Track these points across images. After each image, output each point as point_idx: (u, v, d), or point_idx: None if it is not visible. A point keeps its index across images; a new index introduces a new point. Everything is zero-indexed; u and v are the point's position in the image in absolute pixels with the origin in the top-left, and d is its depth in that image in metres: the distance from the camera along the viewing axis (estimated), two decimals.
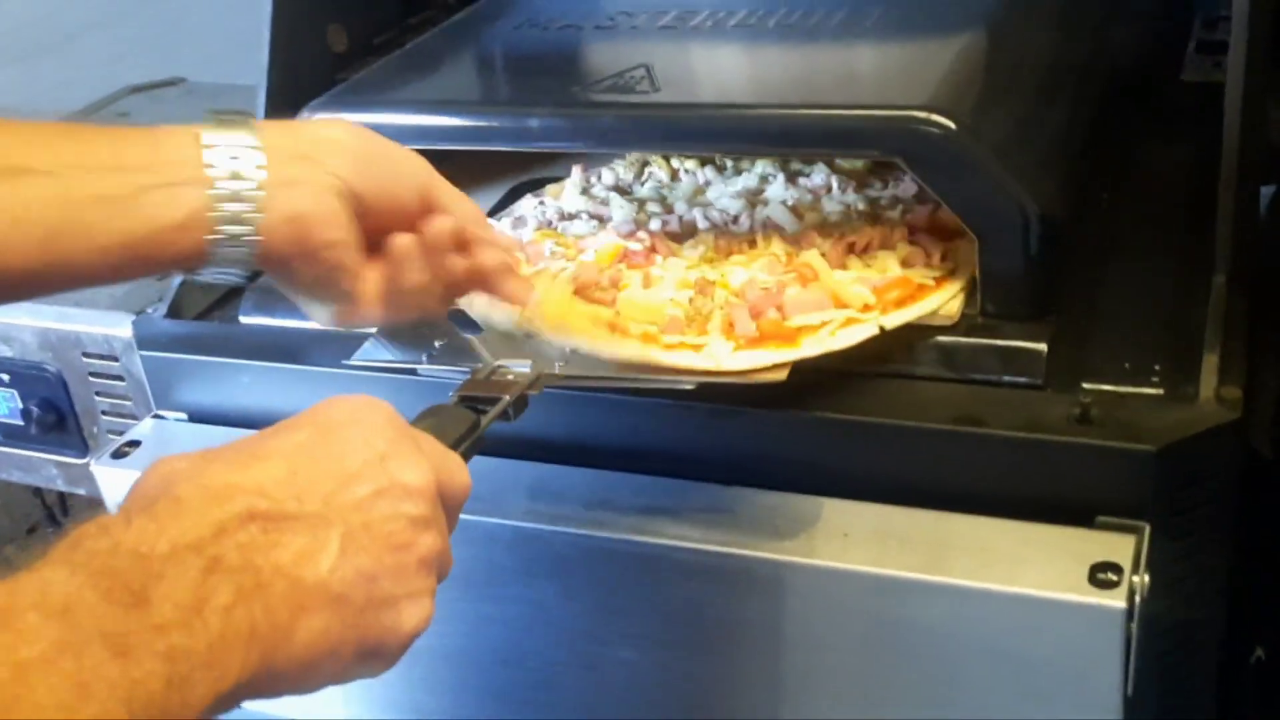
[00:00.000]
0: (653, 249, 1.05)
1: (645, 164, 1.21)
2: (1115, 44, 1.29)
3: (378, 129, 1.08)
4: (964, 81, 1.01)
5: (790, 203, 1.11)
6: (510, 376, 0.91)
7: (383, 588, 0.67)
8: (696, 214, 1.10)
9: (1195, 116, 1.18)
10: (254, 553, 0.61)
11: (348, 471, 0.68)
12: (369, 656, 0.67)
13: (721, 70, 1.12)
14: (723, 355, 0.91)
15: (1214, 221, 1.02)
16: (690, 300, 0.98)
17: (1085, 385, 0.94)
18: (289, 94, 1.27)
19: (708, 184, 1.16)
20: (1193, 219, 1.10)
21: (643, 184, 1.18)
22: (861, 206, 1.10)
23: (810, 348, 0.92)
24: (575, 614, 0.98)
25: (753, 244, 1.05)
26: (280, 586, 0.62)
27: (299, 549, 0.64)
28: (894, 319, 0.96)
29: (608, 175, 1.20)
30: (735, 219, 1.09)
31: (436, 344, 0.98)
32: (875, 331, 0.94)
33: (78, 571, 0.55)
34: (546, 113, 1.04)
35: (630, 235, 1.06)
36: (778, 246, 1.04)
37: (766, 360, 0.91)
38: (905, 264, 1.01)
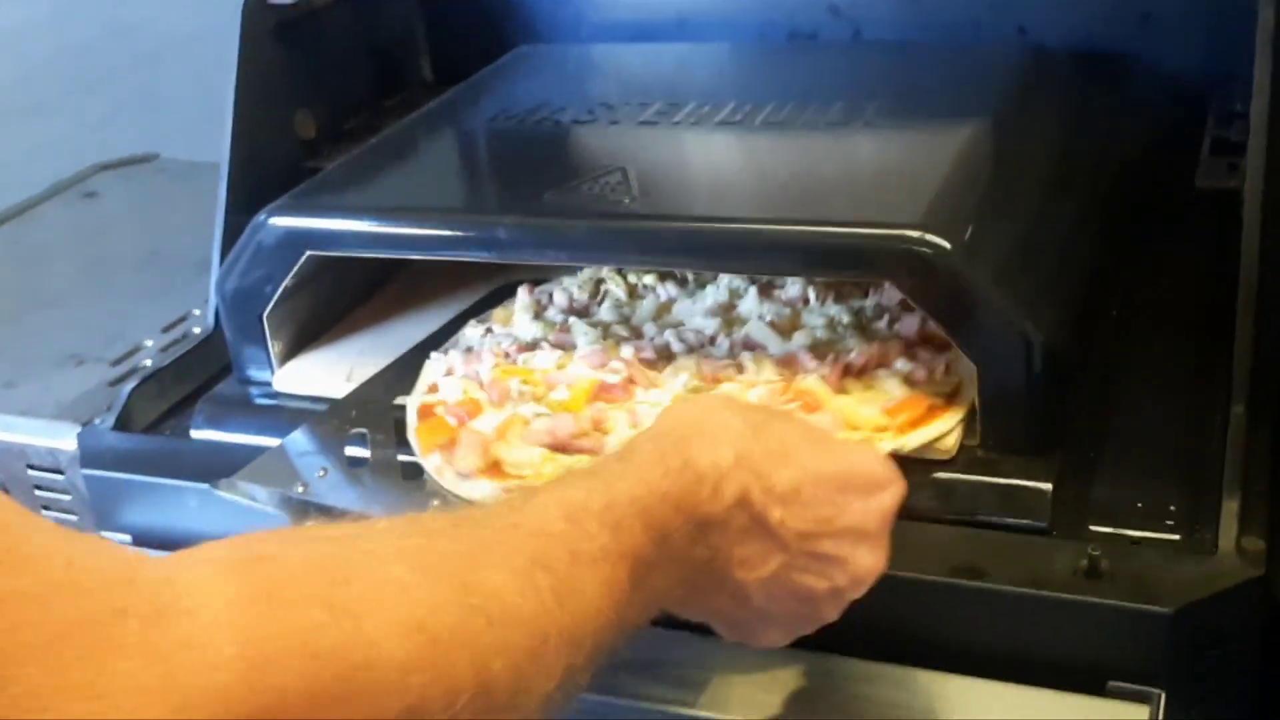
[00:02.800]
0: (630, 380, 0.96)
1: (600, 281, 1.12)
2: (1124, 139, 1.22)
3: (337, 235, 1.03)
4: (960, 193, 0.94)
5: (769, 319, 1.03)
6: None
7: (773, 617, 0.74)
8: (669, 336, 1.01)
9: (1211, 223, 1.11)
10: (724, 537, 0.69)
11: (834, 528, 0.72)
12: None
13: (702, 176, 1.05)
14: None
15: (1232, 341, 0.95)
16: None
17: (1094, 528, 0.87)
18: (253, 182, 1.21)
19: (671, 300, 1.08)
20: (1209, 337, 1.02)
21: (599, 304, 1.09)
22: (846, 319, 1.02)
23: None
24: None
25: (739, 368, 0.97)
26: (714, 570, 0.70)
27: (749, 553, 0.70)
28: (911, 441, 0.89)
29: (559, 296, 1.10)
30: (712, 340, 1.01)
31: (318, 473, 0.94)
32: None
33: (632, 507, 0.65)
34: (514, 222, 0.97)
35: (602, 365, 0.98)
36: (769, 371, 0.96)
37: None
38: (908, 382, 0.94)
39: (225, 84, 1.22)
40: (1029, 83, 1.16)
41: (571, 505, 0.64)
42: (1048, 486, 0.87)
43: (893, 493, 0.75)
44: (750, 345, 1.00)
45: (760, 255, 0.92)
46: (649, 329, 1.03)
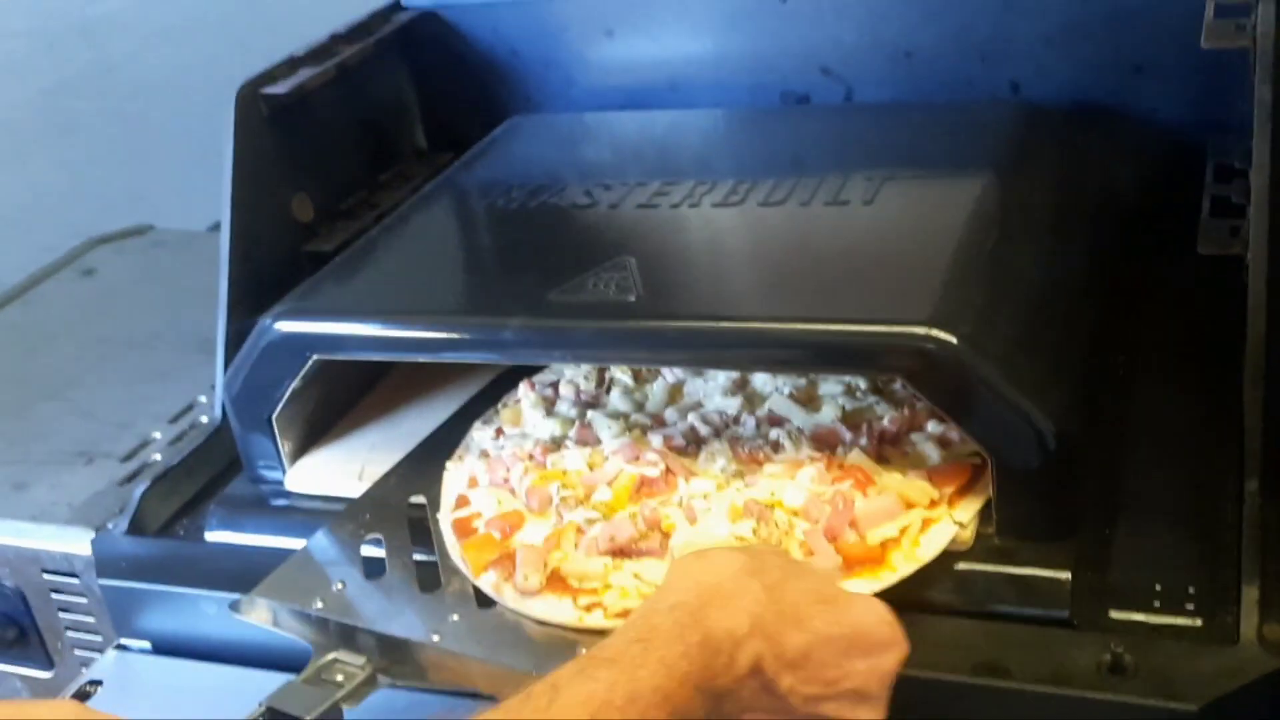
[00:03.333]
0: (669, 471, 0.96)
1: (604, 369, 1.11)
2: (1122, 191, 1.22)
3: (343, 339, 1.03)
4: (963, 277, 0.94)
5: (787, 391, 1.04)
6: (339, 677, 0.85)
7: None
8: (694, 420, 1.01)
9: (1214, 273, 1.11)
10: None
11: (838, 690, 0.73)
12: None
13: (704, 265, 1.04)
14: None
15: (1239, 396, 0.95)
16: (754, 532, 0.90)
17: (1114, 615, 0.87)
18: (253, 274, 1.21)
19: (681, 382, 1.08)
20: (1216, 388, 1.02)
21: (607, 391, 1.09)
22: (863, 383, 1.04)
23: (904, 567, 0.87)
24: None
25: (775, 446, 0.98)
26: None
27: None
28: (965, 511, 0.90)
29: (566, 389, 1.09)
30: (737, 419, 1.02)
31: (336, 586, 0.94)
32: (956, 530, 0.89)
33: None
34: (521, 324, 0.97)
35: (635, 458, 0.97)
36: (807, 447, 0.97)
37: (865, 591, 0.85)
38: (942, 443, 0.95)
39: (220, 165, 1.22)
40: (1025, 144, 1.16)
41: (596, 704, 0.64)
42: (1066, 575, 0.87)
43: (895, 654, 0.76)
44: (775, 420, 1.01)
45: (765, 354, 0.92)
46: (670, 415, 1.03)
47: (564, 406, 1.07)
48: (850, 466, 0.94)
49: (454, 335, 1.00)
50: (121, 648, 1.08)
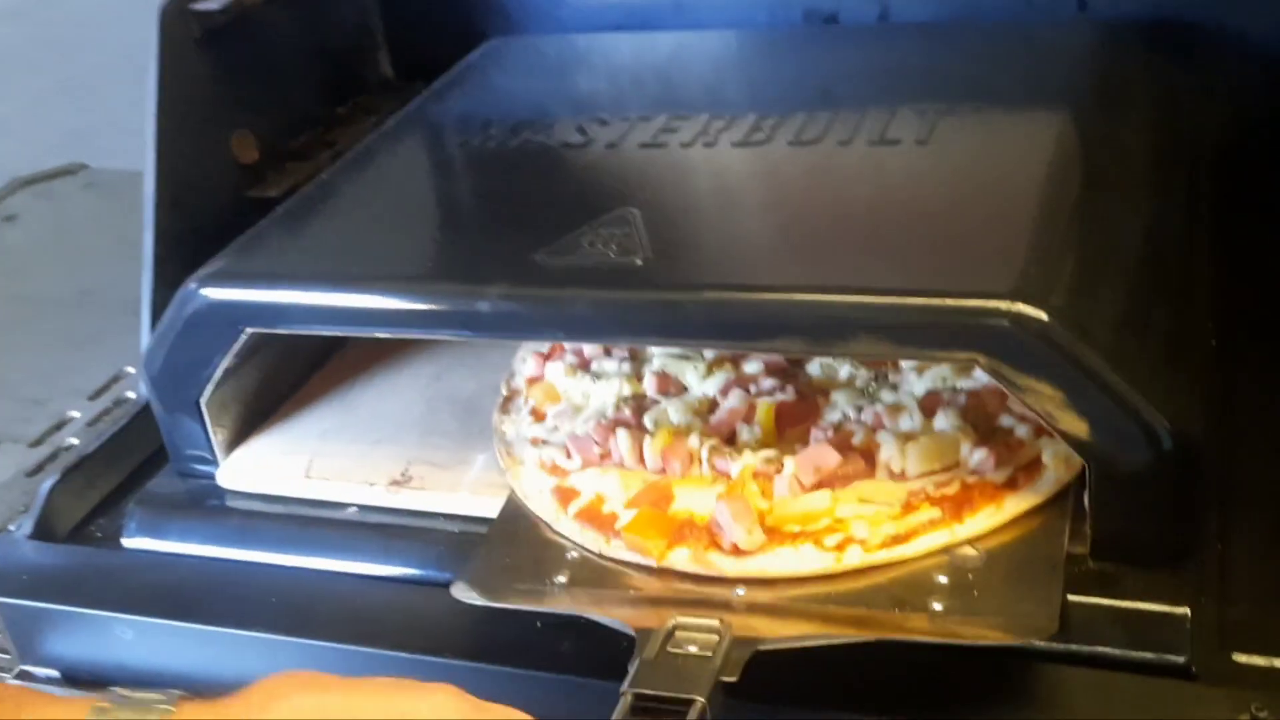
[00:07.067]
0: (800, 395, 0.85)
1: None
2: (1215, 128, 1.04)
3: (282, 310, 0.86)
4: (1050, 236, 0.77)
5: None
6: (693, 649, 0.69)
7: None
8: None
9: None
10: None
11: None
12: None
13: (726, 221, 0.86)
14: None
15: None
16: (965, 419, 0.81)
17: (1238, 659, 0.70)
18: (185, 225, 1.04)
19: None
20: None
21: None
22: None
23: None
24: None
25: None
26: None
27: None
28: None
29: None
30: None
31: (557, 578, 0.78)
32: None
33: None
34: (501, 294, 0.79)
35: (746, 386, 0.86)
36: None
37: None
38: None
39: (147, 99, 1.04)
40: (1104, 73, 0.98)
41: None
42: (1185, 611, 0.70)
43: None
44: None
45: (811, 334, 0.74)
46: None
47: (609, 364, 0.90)
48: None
49: (419, 307, 0.82)
50: (25, 675, 0.92)
